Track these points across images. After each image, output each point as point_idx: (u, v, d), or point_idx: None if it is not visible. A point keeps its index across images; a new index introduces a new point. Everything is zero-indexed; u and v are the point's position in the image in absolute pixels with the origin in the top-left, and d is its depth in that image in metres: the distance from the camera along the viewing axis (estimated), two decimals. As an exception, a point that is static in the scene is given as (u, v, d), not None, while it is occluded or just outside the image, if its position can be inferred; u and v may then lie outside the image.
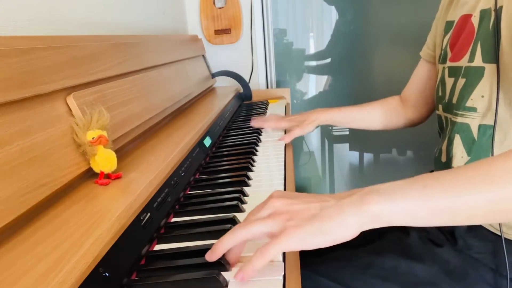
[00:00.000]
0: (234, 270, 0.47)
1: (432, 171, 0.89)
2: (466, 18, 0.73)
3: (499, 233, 0.65)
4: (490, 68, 0.67)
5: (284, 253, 0.49)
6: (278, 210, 0.44)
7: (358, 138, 2.07)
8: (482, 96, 0.68)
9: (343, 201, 0.42)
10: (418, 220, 0.41)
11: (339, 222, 0.40)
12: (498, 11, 0.64)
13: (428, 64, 0.92)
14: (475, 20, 0.70)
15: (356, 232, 0.41)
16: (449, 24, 0.79)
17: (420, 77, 0.95)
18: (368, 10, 1.88)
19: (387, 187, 0.42)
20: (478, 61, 0.68)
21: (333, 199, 0.43)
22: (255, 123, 1.09)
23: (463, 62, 0.72)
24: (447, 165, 0.76)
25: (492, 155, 0.67)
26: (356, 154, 2.11)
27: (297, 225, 0.41)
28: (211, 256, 0.45)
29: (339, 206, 0.41)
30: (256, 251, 0.41)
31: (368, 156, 2.10)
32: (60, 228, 0.45)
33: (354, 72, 1.94)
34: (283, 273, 0.45)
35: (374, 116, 1.02)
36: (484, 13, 0.68)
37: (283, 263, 0.46)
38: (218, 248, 0.44)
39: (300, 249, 0.41)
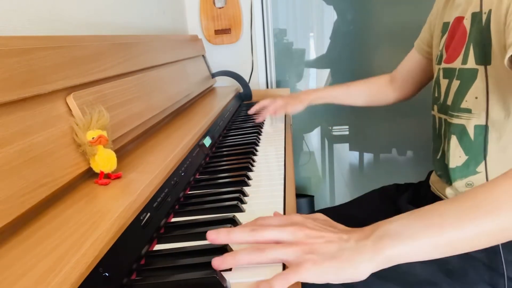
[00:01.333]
0: (234, 270, 0.47)
1: (432, 171, 0.90)
2: (459, 20, 0.73)
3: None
4: (483, 70, 0.67)
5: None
6: (299, 240, 0.45)
7: (358, 138, 2.07)
8: (476, 98, 0.69)
9: (360, 244, 0.44)
10: (425, 256, 0.43)
11: (355, 266, 0.42)
12: (487, 14, 0.65)
13: (419, 57, 0.97)
14: (467, 23, 0.71)
15: (367, 275, 0.43)
16: (445, 25, 0.80)
17: (409, 64, 1.02)
18: (368, 10, 1.88)
19: (397, 229, 0.44)
20: (471, 63, 0.69)
21: (352, 240, 0.44)
22: (259, 118, 1.17)
23: (457, 64, 0.73)
24: (445, 165, 0.76)
25: (485, 155, 0.68)
26: (356, 154, 2.11)
27: (316, 261, 0.42)
28: (220, 265, 0.45)
29: (357, 249, 0.43)
30: (275, 276, 0.42)
31: (368, 156, 2.10)
32: (60, 228, 0.45)
33: (354, 71, 1.94)
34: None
35: (358, 93, 1.11)
36: (475, 16, 0.69)
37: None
38: (230, 263, 0.45)
39: (313, 282, 0.43)
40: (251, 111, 1.20)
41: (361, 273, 0.43)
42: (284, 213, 0.62)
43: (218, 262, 0.45)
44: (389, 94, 1.09)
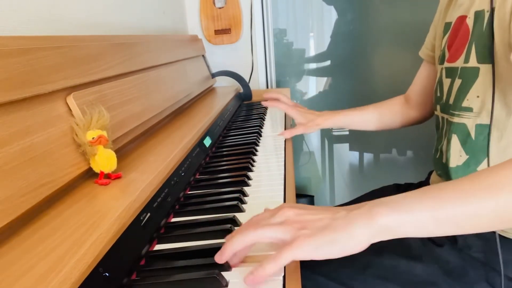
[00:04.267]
0: (234, 270, 0.47)
1: (432, 171, 0.90)
2: (462, 19, 0.74)
3: (499, 232, 0.65)
4: (484, 69, 0.67)
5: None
6: (290, 219, 0.45)
7: (358, 138, 2.07)
8: (478, 96, 0.69)
9: (353, 213, 0.43)
10: (425, 230, 0.42)
11: (349, 234, 0.41)
12: (490, 12, 0.65)
13: (428, 64, 0.93)
14: (469, 22, 0.71)
15: (366, 245, 0.42)
16: (447, 25, 0.80)
17: (422, 78, 0.96)
18: (368, 10, 1.88)
19: (394, 200, 0.43)
20: (473, 61, 0.69)
21: (344, 211, 0.44)
22: (268, 103, 1.07)
23: (459, 63, 0.73)
24: (446, 165, 0.76)
25: (488, 154, 0.68)
26: (356, 154, 2.11)
27: (310, 234, 0.42)
28: (221, 258, 0.45)
29: (349, 217, 0.43)
30: (268, 257, 0.42)
31: (368, 156, 2.10)
32: (60, 228, 0.45)
33: (354, 71, 1.94)
34: (283, 274, 0.45)
35: (367, 118, 1.05)
36: (478, 15, 0.69)
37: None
38: (228, 249, 0.45)
39: (311, 258, 0.42)
40: (266, 103, 1.08)
41: (358, 241, 0.42)
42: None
43: (218, 256, 0.45)
44: (407, 115, 1.01)
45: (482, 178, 0.43)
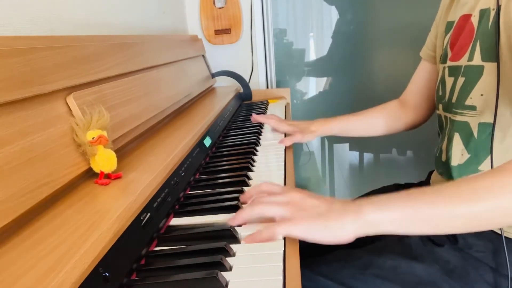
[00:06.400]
0: (234, 270, 0.47)
1: (432, 171, 0.90)
2: (466, 18, 0.73)
3: (499, 232, 0.65)
4: (489, 67, 0.67)
5: (284, 254, 0.49)
6: (294, 200, 0.51)
7: (358, 138, 2.06)
8: (482, 95, 0.68)
9: (346, 207, 0.48)
10: (403, 228, 0.48)
11: (340, 224, 0.47)
12: (496, 10, 0.65)
13: (429, 64, 0.92)
14: (474, 20, 0.71)
15: (353, 237, 0.47)
16: (449, 25, 0.80)
17: (420, 78, 0.95)
18: (368, 10, 1.88)
19: (381, 199, 0.49)
20: (477, 60, 0.69)
21: (339, 204, 0.49)
22: (255, 118, 1.08)
23: (463, 61, 0.72)
24: (447, 164, 0.76)
25: (491, 153, 0.67)
26: (356, 154, 2.11)
27: (307, 216, 0.48)
28: (233, 222, 0.54)
29: (343, 211, 0.48)
30: (267, 226, 0.49)
31: (368, 156, 2.10)
32: (60, 228, 0.45)
33: (354, 72, 1.94)
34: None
35: (375, 122, 1.02)
36: (483, 13, 0.69)
37: (282, 263, 0.47)
38: (239, 218, 0.54)
39: (303, 238, 0.47)
40: (253, 118, 1.09)
41: (346, 232, 0.46)
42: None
43: (231, 220, 0.54)
44: (403, 119, 0.99)
45: (464, 184, 0.48)
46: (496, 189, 0.47)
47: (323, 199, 0.52)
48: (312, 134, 1.00)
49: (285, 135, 1.04)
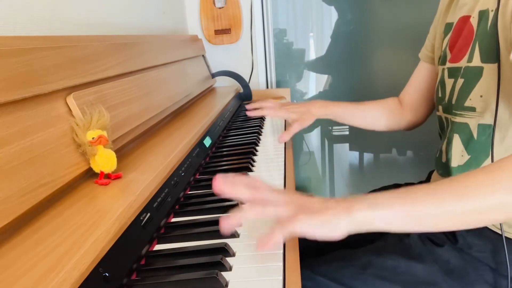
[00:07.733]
0: (234, 270, 0.47)
1: (432, 171, 0.90)
2: (465, 19, 0.73)
3: (499, 232, 0.65)
4: (488, 68, 0.67)
5: (284, 253, 0.49)
6: (294, 201, 0.52)
7: (358, 138, 2.07)
8: (481, 96, 0.68)
9: (340, 205, 0.49)
10: (394, 226, 0.48)
11: (335, 222, 0.48)
12: (494, 12, 0.65)
13: (427, 65, 0.92)
14: (473, 21, 0.71)
15: (345, 233, 0.47)
16: (448, 26, 0.80)
17: (419, 79, 0.94)
18: (368, 10, 1.88)
19: (371, 197, 0.49)
20: (476, 61, 0.69)
21: (334, 201, 0.50)
22: (251, 112, 1.01)
23: (463, 63, 0.72)
24: (447, 165, 0.76)
25: (492, 154, 0.67)
26: (356, 154, 2.11)
27: (307, 213, 0.48)
28: (230, 222, 0.51)
29: (338, 208, 0.49)
30: (275, 226, 0.48)
31: (368, 156, 2.10)
32: (60, 228, 0.45)
33: (354, 72, 1.94)
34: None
35: (375, 115, 1.01)
36: (482, 14, 0.69)
37: (282, 263, 0.47)
38: (236, 216, 0.51)
39: (304, 234, 0.47)
40: (249, 113, 1.02)
41: (339, 229, 0.47)
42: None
43: (225, 220, 0.50)
44: (401, 117, 0.99)
45: (455, 183, 0.48)
46: (487, 186, 0.47)
47: (319, 197, 0.53)
48: (312, 117, 0.98)
49: (285, 122, 1.01)
